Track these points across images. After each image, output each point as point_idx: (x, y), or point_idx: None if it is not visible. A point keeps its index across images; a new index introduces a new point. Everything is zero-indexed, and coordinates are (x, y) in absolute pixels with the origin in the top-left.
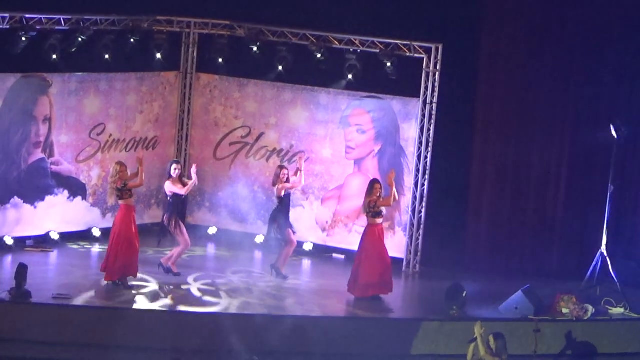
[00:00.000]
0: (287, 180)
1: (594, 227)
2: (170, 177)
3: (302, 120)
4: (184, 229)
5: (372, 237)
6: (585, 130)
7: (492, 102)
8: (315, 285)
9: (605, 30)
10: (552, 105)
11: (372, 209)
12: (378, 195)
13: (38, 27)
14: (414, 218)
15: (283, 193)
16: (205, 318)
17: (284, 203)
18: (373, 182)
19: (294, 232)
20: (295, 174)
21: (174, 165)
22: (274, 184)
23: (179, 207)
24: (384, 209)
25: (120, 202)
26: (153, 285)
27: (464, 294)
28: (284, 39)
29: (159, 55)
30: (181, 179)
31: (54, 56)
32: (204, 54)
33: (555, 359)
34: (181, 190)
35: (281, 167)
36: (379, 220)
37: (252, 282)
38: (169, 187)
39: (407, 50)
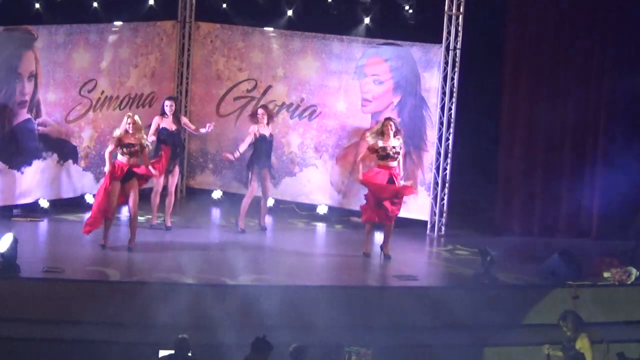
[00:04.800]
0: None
1: (637, 181)
2: (164, 114)
3: (313, 71)
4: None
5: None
6: (627, 76)
7: (522, 46)
8: (331, 253)
9: None
10: (589, 49)
11: (378, 152)
12: (389, 130)
13: None
14: (438, 176)
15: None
16: (205, 290)
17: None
18: (384, 121)
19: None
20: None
21: (168, 102)
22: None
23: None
24: (398, 154)
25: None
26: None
27: (489, 258)
28: None
29: (151, 2)
30: (176, 116)
31: (38, 6)
32: (203, 0)
33: None
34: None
35: (261, 107)
36: (392, 163)
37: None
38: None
39: None
